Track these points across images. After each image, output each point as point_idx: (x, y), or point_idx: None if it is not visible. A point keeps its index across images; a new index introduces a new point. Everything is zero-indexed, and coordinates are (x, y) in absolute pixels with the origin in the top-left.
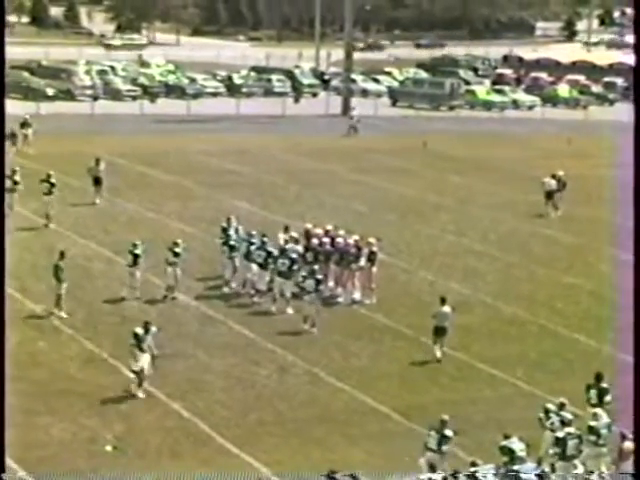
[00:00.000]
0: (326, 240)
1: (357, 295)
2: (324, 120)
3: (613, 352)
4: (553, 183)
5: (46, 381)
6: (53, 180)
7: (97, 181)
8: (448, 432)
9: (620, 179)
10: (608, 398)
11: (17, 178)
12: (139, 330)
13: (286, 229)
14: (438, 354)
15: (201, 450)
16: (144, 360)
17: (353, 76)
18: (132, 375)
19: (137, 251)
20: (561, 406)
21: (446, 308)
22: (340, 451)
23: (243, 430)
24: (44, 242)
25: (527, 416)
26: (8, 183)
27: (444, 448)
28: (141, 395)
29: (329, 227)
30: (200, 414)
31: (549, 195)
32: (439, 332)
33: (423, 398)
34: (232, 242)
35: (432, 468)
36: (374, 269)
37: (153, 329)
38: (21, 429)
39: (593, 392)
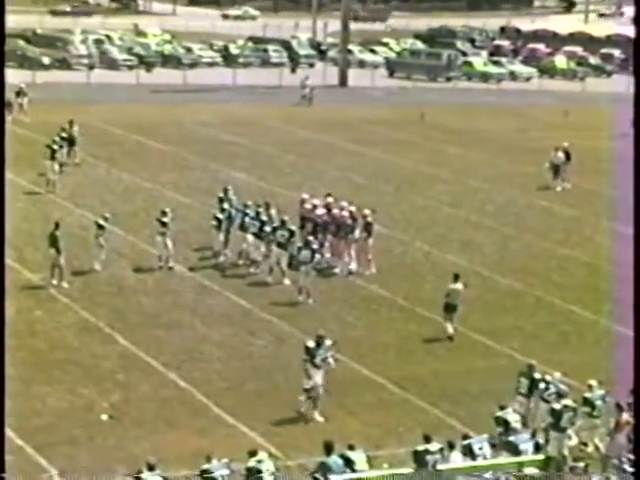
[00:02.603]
0: (323, 211)
1: (353, 266)
2: (321, 91)
3: (609, 324)
4: (560, 156)
5: (43, 350)
6: (55, 146)
7: (71, 142)
8: (537, 375)
9: (617, 151)
10: None
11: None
12: (310, 343)
13: (311, 197)
14: (450, 330)
15: (197, 420)
16: (318, 377)
17: (350, 47)
18: (304, 394)
19: (102, 222)
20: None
21: (458, 285)
22: (336, 421)
23: (239, 400)
24: (41, 211)
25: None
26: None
27: (535, 391)
28: (319, 418)
29: (330, 199)
30: (197, 384)
31: (556, 168)
32: (450, 309)
33: (419, 369)
34: (226, 213)
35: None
36: (370, 240)
37: (327, 342)
38: (18, 398)
39: None
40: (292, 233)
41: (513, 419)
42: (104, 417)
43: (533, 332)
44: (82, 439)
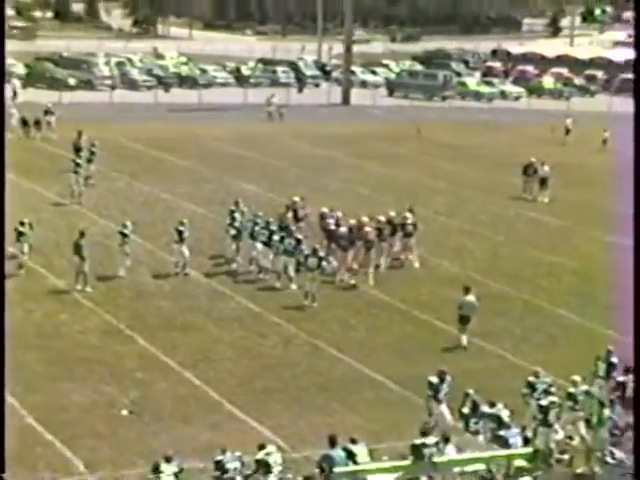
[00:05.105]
0: (331, 221)
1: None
2: (325, 109)
3: (594, 326)
4: (546, 169)
5: (68, 350)
6: (79, 160)
7: (77, 150)
8: (614, 360)
9: (601, 165)
10: None
11: (94, 149)
12: (433, 379)
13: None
14: (464, 342)
15: (211, 415)
16: (441, 412)
17: (353, 68)
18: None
19: (126, 230)
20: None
21: (470, 297)
22: (339, 417)
23: (250, 397)
24: (67, 221)
25: (514, 386)
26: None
27: (613, 375)
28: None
29: (365, 217)
30: (210, 382)
31: (543, 181)
32: (464, 321)
33: (417, 368)
34: (237, 223)
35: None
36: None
37: (448, 378)
38: (45, 394)
39: None
40: (298, 241)
41: (505, 415)
42: (124, 412)
43: (523, 334)
44: (106, 433)
